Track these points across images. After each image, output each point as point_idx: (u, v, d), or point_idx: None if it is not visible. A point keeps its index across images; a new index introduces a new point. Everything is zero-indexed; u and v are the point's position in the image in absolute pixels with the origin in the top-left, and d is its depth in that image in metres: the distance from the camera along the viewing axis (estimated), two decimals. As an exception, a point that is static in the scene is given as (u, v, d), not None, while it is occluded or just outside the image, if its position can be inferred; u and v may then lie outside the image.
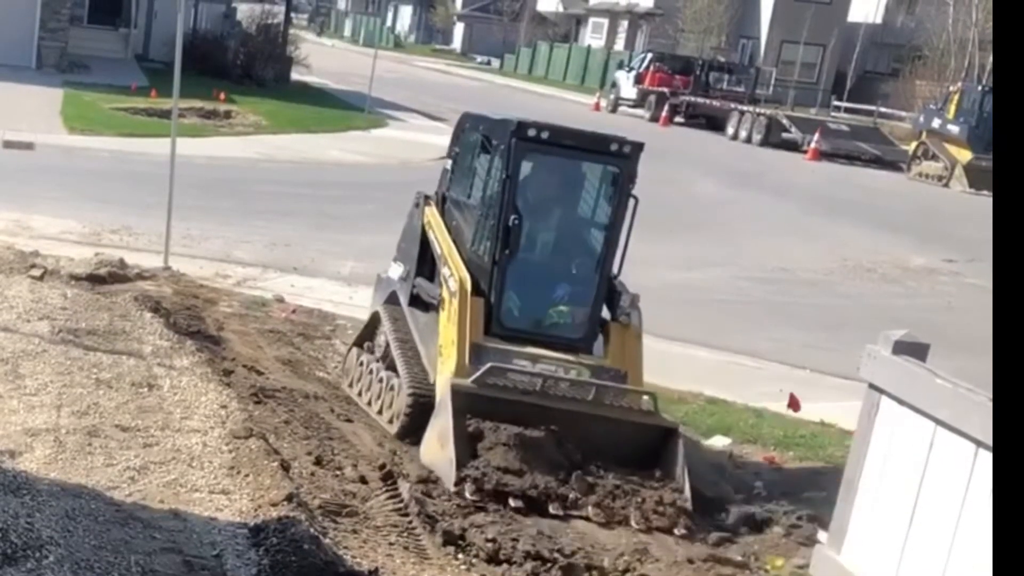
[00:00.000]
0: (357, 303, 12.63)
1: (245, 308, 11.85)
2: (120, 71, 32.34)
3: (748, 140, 40.20)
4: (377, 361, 9.66)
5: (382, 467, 8.14)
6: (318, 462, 8.04)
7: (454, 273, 8.88)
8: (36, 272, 11.08)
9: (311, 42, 53.48)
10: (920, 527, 5.97)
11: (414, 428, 8.72)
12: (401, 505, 7.66)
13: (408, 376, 8.93)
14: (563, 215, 9.58)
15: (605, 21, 71.02)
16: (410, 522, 7.47)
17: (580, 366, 8.71)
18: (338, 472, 7.99)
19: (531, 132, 8.76)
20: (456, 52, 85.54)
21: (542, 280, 9.28)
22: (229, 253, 14.32)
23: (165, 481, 6.95)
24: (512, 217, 8.73)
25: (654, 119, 44.30)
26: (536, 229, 9.33)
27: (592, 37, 71.99)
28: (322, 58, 46.02)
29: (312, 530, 6.56)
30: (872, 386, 6.38)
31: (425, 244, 9.77)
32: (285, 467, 7.50)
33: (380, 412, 9.30)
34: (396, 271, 10.19)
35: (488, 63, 76.95)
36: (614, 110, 48.10)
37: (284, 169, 22.17)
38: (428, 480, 8.12)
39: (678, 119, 44.43)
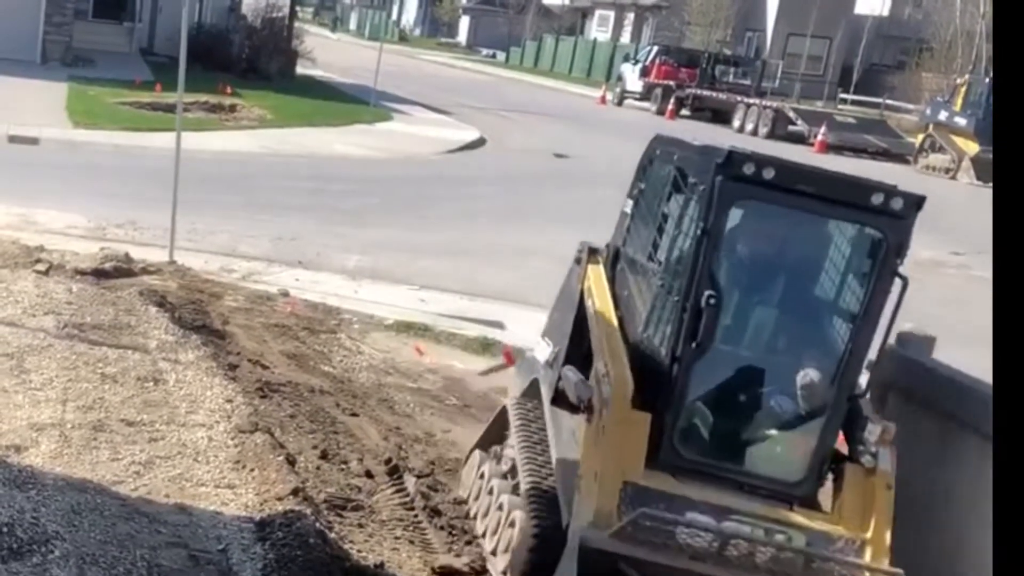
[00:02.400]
0: (363, 297, 12.65)
1: (250, 302, 11.84)
2: (125, 65, 32.32)
3: (754, 133, 40.10)
4: (502, 478, 7.14)
5: (388, 461, 8.15)
6: (324, 456, 8.04)
7: (609, 371, 6.03)
8: (41, 267, 11.07)
9: (316, 35, 53.41)
10: (930, 521, 5.95)
11: None
12: (407, 499, 7.66)
13: (534, 514, 6.34)
14: (787, 295, 6.41)
15: (611, 14, 70.90)
16: (416, 516, 7.47)
17: (792, 527, 5.85)
18: (344, 466, 8.00)
19: (747, 168, 5.80)
20: (461, 45, 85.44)
21: (745, 390, 6.18)
22: (234, 247, 14.31)
23: (170, 475, 6.95)
24: (707, 294, 5.73)
25: (660, 112, 44.21)
26: (743, 313, 6.29)
27: (598, 30, 71.87)
28: (327, 52, 45.99)
29: (318, 524, 6.56)
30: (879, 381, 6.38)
31: (583, 318, 6.99)
32: (291, 461, 7.50)
33: (495, 553, 6.83)
34: (543, 351, 7.52)
35: (493, 56, 76.85)
36: (620, 103, 48.03)
37: (289, 163, 22.16)
38: (434, 474, 8.12)
39: (684, 112, 44.36)
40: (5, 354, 8.52)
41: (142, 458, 7.11)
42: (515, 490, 6.79)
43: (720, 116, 43.06)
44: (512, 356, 11.18)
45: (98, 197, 15.99)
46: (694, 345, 5.82)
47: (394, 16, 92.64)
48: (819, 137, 37.07)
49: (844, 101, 53.15)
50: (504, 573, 6.56)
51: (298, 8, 44.97)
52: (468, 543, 7.25)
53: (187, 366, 8.95)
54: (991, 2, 43.30)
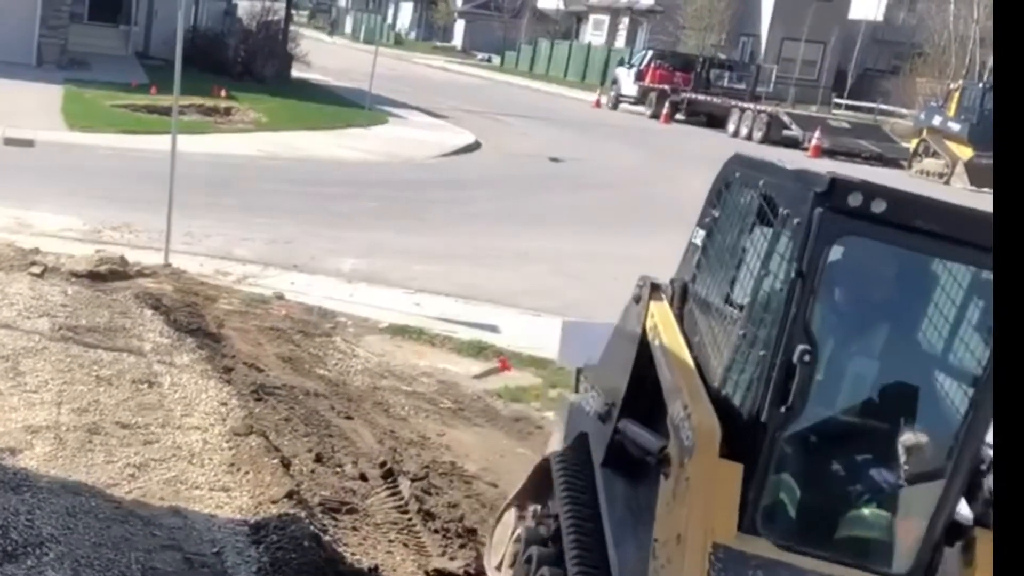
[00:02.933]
0: (357, 300, 12.66)
1: (245, 305, 11.84)
2: (120, 68, 32.31)
3: (749, 137, 40.16)
4: (543, 544, 6.14)
5: (382, 464, 8.15)
6: (318, 459, 8.05)
7: (691, 413, 4.95)
8: (36, 269, 11.07)
9: (313, 39, 53.46)
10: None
11: None
12: (401, 502, 7.67)
13: None
14: (895, 349, 5.30)
15: (606, 18, 71.03)
16: (410, 519, 7.47)
17: None
18: (338, 469, 8.00)
19: (852, 200, 4.66)
20: (457, 49, 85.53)
21: (842, 461, 5.15)
22: (230, 250, 14.31)
23: (165, 478, 6.95)
24: (801, 348, 4.66)
25: (655, 116, 44.33)
26: (844, 370, 5.25)
27: (593, 34, 72.01)
28: (323, 55, 46.02)
29: (312, 527, 6.57)
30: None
31: (643, 363, 5.80)
32: (285, 464, 7.51)
33: None
34: (592, 402, 6.35)
35: (489, 60, 76.96)
36: (615, 107, 48.13)
37: (284, 166, 22.16)
38: (428, 477, 8.12)
39: (679, 116, 44.43)
40: (0, 356, 8.52)
41: (137, 461, 7.12)
42: (558, 561, 5.80)
43: (715, 120, 43.14)
44: (508, 363, 11.21)
45: (93, 200, 15.98)
46: (783, 409, 4.72)
47: (389, 20, 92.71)
48: (813, 142, 37.14)
49: (838, 106, 53.27)
50: None
51: (293, 12, 44.96)
52: (462, 546, 7.26)
53: (182, 369, 8.95)
54: (991, 5, 43.43)
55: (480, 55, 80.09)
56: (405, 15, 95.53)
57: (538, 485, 6.61)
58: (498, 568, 6.73)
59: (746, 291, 5.19)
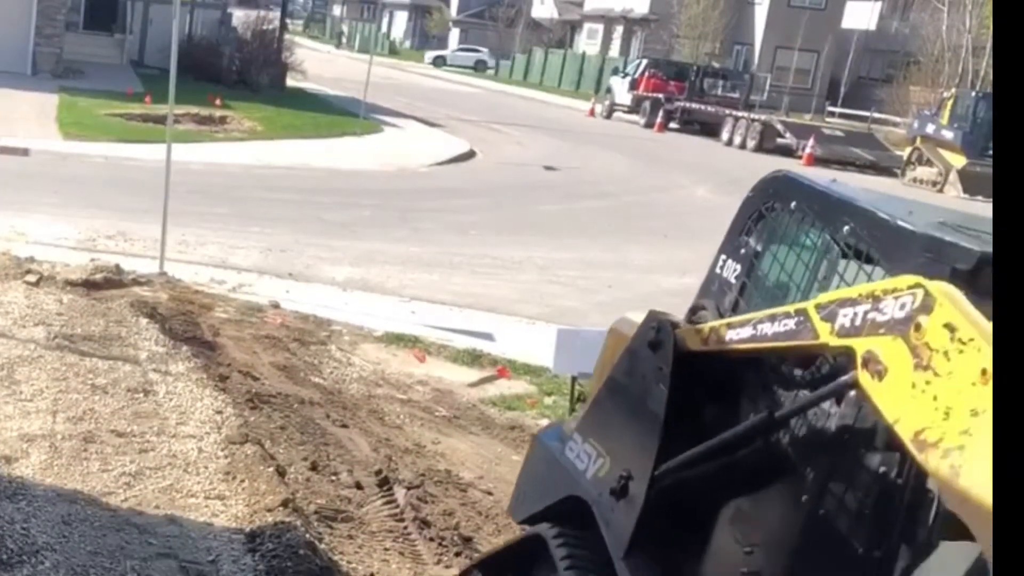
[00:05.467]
0: (353, 308, 12.66)
1: (240, 314, 11.84)
2: (115, 77, 32.33)
3: (743, 146, 40.26)
4: None
5: (378, 472, 8.15)
6: (314, 467, 8.04)
7: (896, 289, 3.35)
8: (31, 278, 11.07)
9: (310, 49, 53.46)
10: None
11: None
12: (397, 511, 7.67)
13: None
14: None
15: (600, 27, 71.14)
16: (405, 528, 7.47)
17: None
18: (334, 477, 8.00)
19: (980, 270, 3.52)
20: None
21: None
22: (224, 259, 14.31)
23: (161, 487, 6.95)
24: None
25: (649, 125, 44.40)
26: None
27: (587, 43, 72.13)
28: (318, 64, 46.04)
29: (308, 535, 6.56)
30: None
31: (681, 411, 4.45)
32: (281, 472, 7.50)
33: None
34: (590, 461, 4.93)
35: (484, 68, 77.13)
36: (609, 116, 48.21)
37: (279, 175, 22.17)
38: (424, 486, 8.13)
39: (673, 125, 44.55)
40: (-5, 365, 8.53)
41: (132, 469, 7.11)
42: None
43: (709, 129, 43.24)
44: (507, 372, 11.21)
45: (88, 208, 15.99)
46: None
47: (384, 29, 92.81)
48: (807, 150, 37.22)
49: (832, 114, 53.44)
50: None
51: (288, 21, 45.01)
52: (458, 555, 7.26)
53: (177, 377, 8.95)
54: (984, 15, 43.57)
55: (492, 64, 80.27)
56: (399, 24, 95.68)
57: (514, 557, 5.48)
58: None
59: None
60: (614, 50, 67.04)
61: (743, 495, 4.17)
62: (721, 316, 4.52)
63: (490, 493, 8.30)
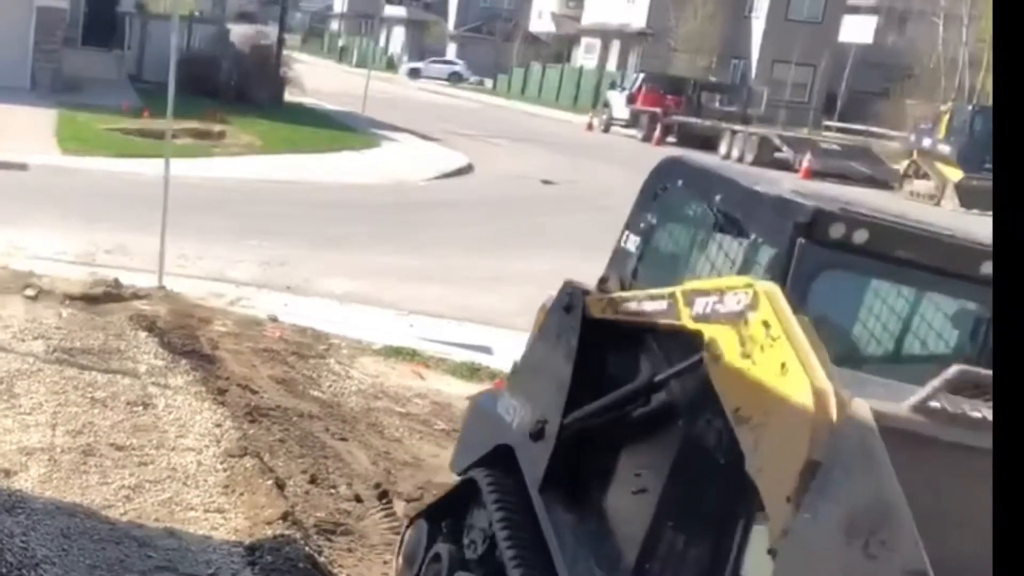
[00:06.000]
0: (351, 322, 12.67)
1: (239, 327, 11.86)
2: (114, 92, 32.35)
3: (740, 159, 40.30)
4: (467, 569, 5.85)
5: (377, 486, 8.17)
6: (313, 480, 8.06)
7: (733, 287, 4.13)
8: (31, 292, 11.09)
9: (310, 63, 53.54)
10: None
11: None
12: (396, 523, 7.68)
13: None
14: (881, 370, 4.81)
15: (597, 41, 71.26)
16: (405, 540, 7.48)
17: None
18: (333, 490, 8.01)
19: (836, 231, 4.40)
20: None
21: None
22: (223, 273, 14.33)
23: (160, 500, 6.96)
24: None
25: (646, 139, 44.44)
26: None
27: (585, 57, 72.24)
28: (315, 79, 46.11)
29: (307, 548, 6.58)
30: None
31: (587, 365, 5.34)
32: (280, 486, 7.52)
33: None
34: (513, 413, 5.84)
35: (481, 83, 77.20)
36: (606, 130, 48.26)
37: (278, 189, 22.20)
38: (423, 499, 8.13)
39: (670, 139, 44.56)
40: (-6, 379, 8.54)
41: (132, 482, 7.13)
42: None
43: (706, 143, 43.25)
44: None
45: (87, 223, 16.00)
46: None
47: (382, 43, 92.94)
48: (804, 164, 37.27)
49: (829, 128, 53.51)
50: None
51: (286, 36, 45.09)
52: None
53: (176, 391, 8.97)
54: (980, 29, 43.70)
55: (472, 78, 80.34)
56: (397, 38, 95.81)
57: (453, 501, 6.33)
58: None
59: None
60: (611, 64, 67.15)
61: (634, 435, 4.95)
62: (623, 285, 5.39)
63: (489, 506, 8.30)
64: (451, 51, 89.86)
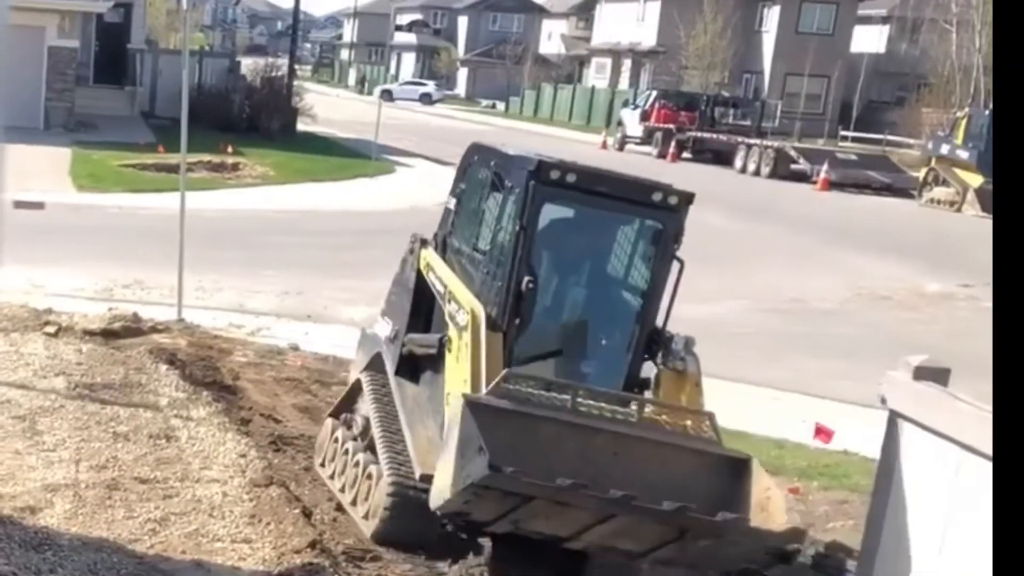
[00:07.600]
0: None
1: (260, 357, 11.82)
2: (127, 128, 32.49)
3: (757, 173, 40.23)
4: (355, 440, 8.26)
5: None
6: (340, 508, 7.99)
7: (463, 306, 7.35)
8: (51, 329, 11.06)
9: (321, 93, 53.71)
10: (949, 553, 5.87)
11: (395, 530, 7.39)
12: (423, 549, 7.59)
13: (390, 464, 7.49)
14: (589, 279, 7.92)
15: (608, 61, 71.38)
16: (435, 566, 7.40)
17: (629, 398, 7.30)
18: (360, 518, 7.93)
19: (554, 174, 7.16)
20: (460, 97, 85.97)
21: (559, 358, 7.69)
22: (242, 303, 14.31)
23: (186, 532, 6.90)
24: (526, 280, 7.14)
25: (661, 155, 44.39)
26: (555, 295, 7.78)
27: (596, 77, 72.36)
28: (327, 107, 46.24)
29: (337, 576, 6.50)
30: (894, 412, 6.29)
31: (420, 296, 8.34)
32: (307, 514, 7.46)
33: (354, 503, 7.91)
34: (383, 329, 8.69)
35: (493, 107, 77.34)
36: (621, 148, 48.20)
37: (293, 219, 22.21)
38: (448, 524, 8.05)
39: (685, 155, 44.51)
40: (17, 416, 8.49)
41: (157, 515, 7.07)
42: (367, 449, 7.96)
43: (721, 157, 43.20)
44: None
45: (104, 259, 16.02)
46: (517, 322, 7.21)
47: (392, 70, 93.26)
48: (822, 175, 37.13)
49: (845, 138, 53.41)
50: (365, 517, 7.68)
51: (297, 66, 45.25)
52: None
53: (199, 422, 8.91)
54: (990, 35, 43.56)
55: (484, 102, 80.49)
56: (408, 65, 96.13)
57: (349, 398, 8.78)
58: (323, 464, 8.61)
59: (487, 241, 7.72)
60: (623, 83, 67.19)
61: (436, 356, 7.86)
62: (444, 241, 8.35)
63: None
64: (462, 76, 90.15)
